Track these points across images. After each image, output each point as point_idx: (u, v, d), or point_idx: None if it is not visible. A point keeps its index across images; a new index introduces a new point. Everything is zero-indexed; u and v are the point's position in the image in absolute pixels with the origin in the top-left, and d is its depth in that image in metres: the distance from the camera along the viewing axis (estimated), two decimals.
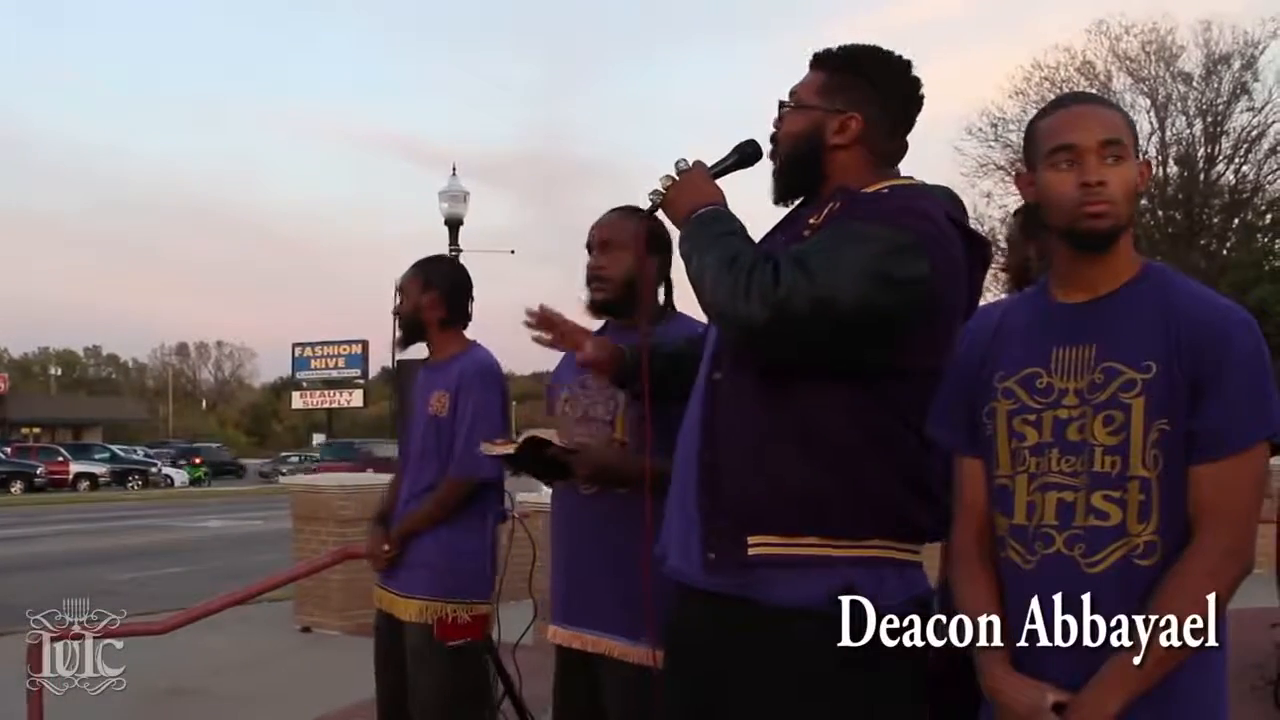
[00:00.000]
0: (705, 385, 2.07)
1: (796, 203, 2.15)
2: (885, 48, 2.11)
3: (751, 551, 1.92)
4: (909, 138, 2.12)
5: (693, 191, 2.05)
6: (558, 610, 2.75)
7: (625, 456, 2.58)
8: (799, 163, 2.08)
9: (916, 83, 2.10)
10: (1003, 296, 2.43)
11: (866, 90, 2.05)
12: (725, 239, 1.93)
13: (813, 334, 1.84)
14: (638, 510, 2.51)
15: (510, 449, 2.61)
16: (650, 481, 2.48)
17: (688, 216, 2.01)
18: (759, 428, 1.95)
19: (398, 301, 3.55)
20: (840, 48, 2.11)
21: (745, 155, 2.16)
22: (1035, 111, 1.92)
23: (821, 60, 2.11)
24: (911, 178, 2.10)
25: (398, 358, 3.63)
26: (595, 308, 2.74)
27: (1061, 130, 1.76)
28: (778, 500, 1.92)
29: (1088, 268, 1.77)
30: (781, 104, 2.12)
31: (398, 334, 3.61)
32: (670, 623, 2.12)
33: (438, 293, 3.50)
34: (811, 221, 1.99)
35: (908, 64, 2.10)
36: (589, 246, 2.74)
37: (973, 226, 2.11)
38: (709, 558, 1.97)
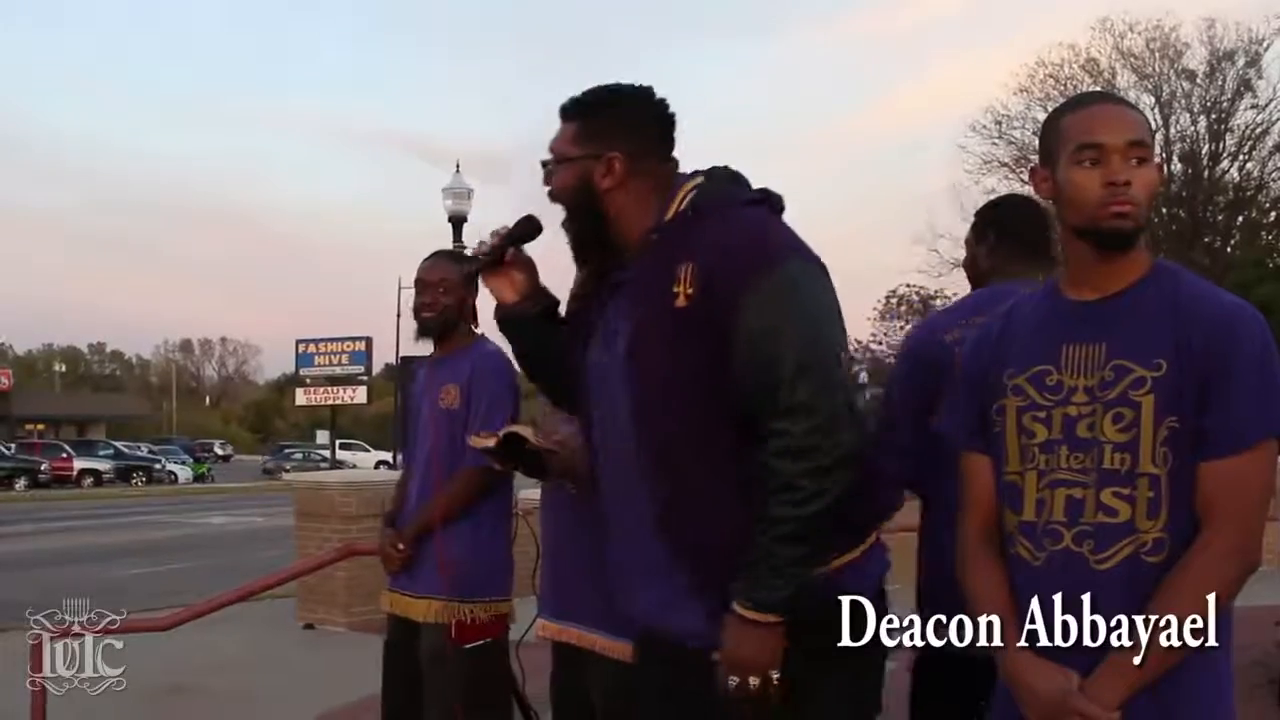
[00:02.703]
0: (644, 464, 2.00)
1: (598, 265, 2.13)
2: (624, 83, 2.11)
3: None
4: (675, 154, 2.11)
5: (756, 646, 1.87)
6: (546, 604, 2.78)
7: None
8: (580, 215, 2.09)
9: (663, 104, 2.10)
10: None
11: (620, 127, 2.05)
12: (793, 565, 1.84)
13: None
14: None
15: (492, 442, 2.61)
16: None
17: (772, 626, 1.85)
18: (713, 491, 1.93)
19: (439, 292, 3.40)
20: (583, 94, 2.11)
21: (524, 233, 2.19)
22: (1040, 108, 1.94)
23: (568, 111, 2.11)
24: (691, 174, 2.07)
25: (402, 354, 3.57)
26: None
27: (1089, 128, 1.75)
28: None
29: (1103, 267, 1.76)
30: (544, 163, 2.12)
31: (425, 325, 3.45)
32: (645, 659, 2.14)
33: (476, 290, 3.42)
34: (678, 291, 1.91)
35: (648, 91, 2.10)
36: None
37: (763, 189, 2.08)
38: (710, 615, 1.91)
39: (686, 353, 1.90)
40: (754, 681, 1.85)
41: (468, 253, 2.25)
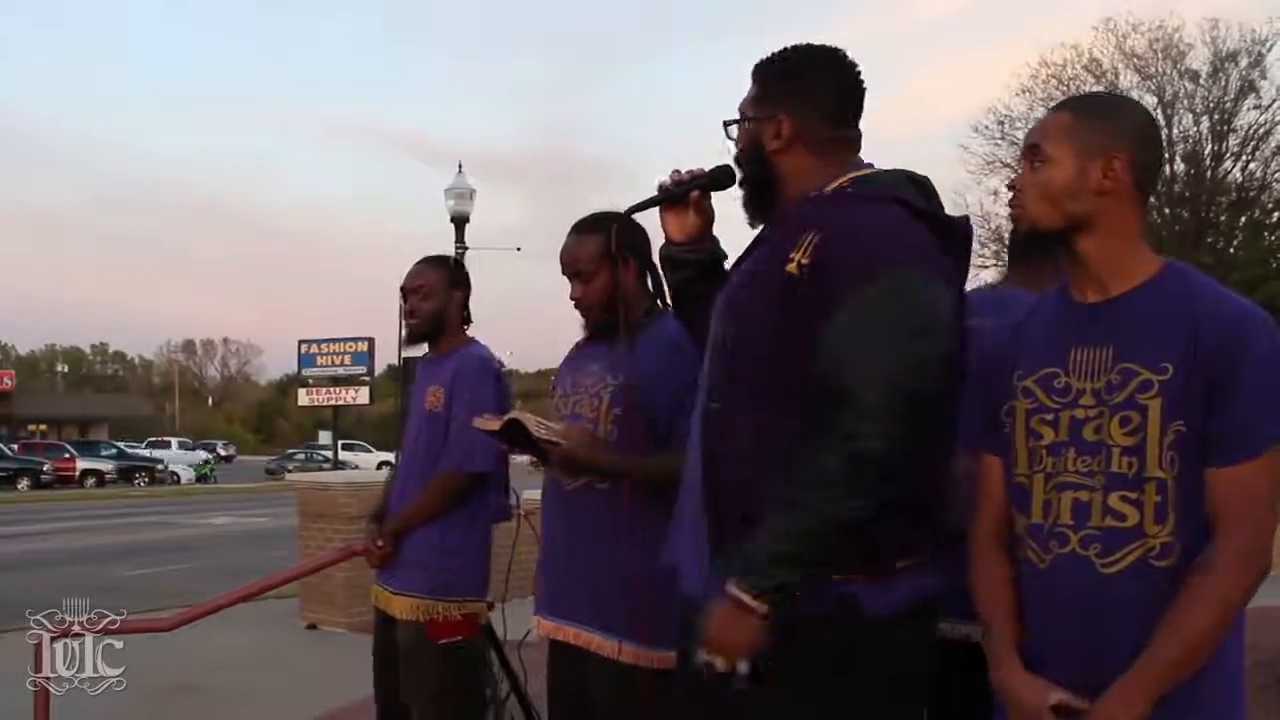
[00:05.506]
0: (702, 416, 2.04)
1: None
2: (814, 44, 2.10)
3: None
4: (863, 124, 2.09)
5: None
6: (542, 601, 2.80)
7: (601, 453, 2.63)
8: (750, 175, 2.11)
9: (850, 69, 2.08)
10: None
11: (794, 90, 2.05)
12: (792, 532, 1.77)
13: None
14: (618, 506, 2.54)
15: (496, 425, 2.67)
16: (632, 480, 2.53)
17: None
18: (757, 462, 1.91)
19: (418, 298, 3.48)
20: (769, 55, 2.11)
21: (713, 179, 2.22)
22: (1042, 108, 1.98)
23: (755, 70, 2.11)
24: (870, 164, 2.06)
25: (404, 355, 3.57)
26: (591, 330, 2.80)
27: None
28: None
29: (1075, 268, 1.80)
30: (726, 124, 2.13)
31: (411, 332, 3.52)
32: (684, 634, 2.12)
33: (464, 293, 3.53)
34: (794, 256, 1.89)
35: (838, 54, 2.08)
36: (564, 275, 2.78)
37: (944, 210, 2.05)
38: (709, 582, 1.92)
39: (774, 314, 1.90)
40: (720, 663, 1.79)
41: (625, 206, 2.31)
